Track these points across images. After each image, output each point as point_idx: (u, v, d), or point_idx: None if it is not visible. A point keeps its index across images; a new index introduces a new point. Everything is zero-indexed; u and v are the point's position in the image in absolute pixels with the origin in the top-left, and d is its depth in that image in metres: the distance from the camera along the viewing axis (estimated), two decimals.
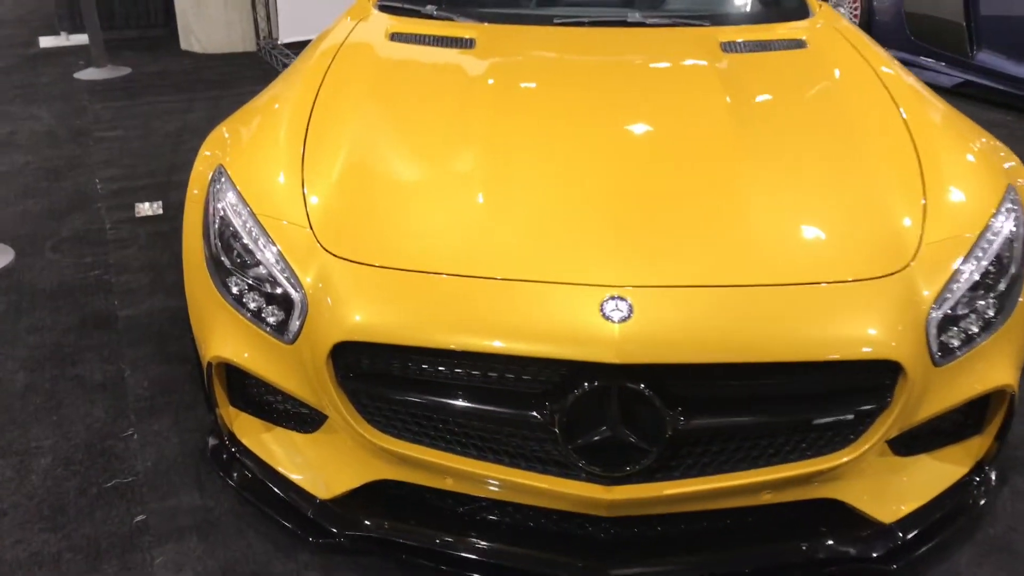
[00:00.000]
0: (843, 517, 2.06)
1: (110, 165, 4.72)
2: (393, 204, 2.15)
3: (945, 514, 2.12)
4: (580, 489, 1.89)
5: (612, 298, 1.83)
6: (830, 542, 2.02)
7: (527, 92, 2.61)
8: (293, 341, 2.02)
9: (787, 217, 2.07)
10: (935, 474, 2.16)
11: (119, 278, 3.53)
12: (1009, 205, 2.15)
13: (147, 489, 2.42)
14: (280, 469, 2.20)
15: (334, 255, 2.01)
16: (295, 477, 2.18)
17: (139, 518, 2.32)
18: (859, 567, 2.04)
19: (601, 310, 1.82)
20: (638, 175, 2.18)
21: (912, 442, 2.11)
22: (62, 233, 3.94)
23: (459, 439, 1.95)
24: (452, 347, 1.85)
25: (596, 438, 1.84)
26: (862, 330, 1.86)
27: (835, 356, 1.83)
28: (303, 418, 2.20)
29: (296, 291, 2.01)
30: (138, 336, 3.13)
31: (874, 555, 2.02)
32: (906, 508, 2.08)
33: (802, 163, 2.25)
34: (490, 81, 2.61)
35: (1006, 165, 2.34)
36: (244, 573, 2.15)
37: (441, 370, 1.90)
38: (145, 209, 4.16)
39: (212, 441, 2.37)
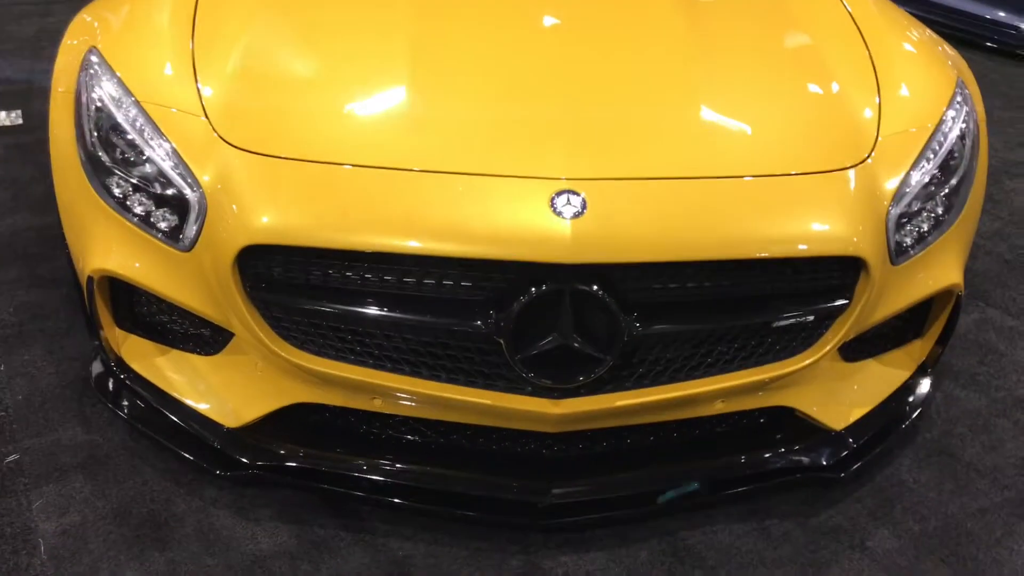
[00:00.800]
0: (793, 426, 1.98)
1: None
2: (305, 90, 1.87)
3: (890, 419, 2.07)
4: (526, 404, 1.72)
5: (563, 192, 1.64)
6: (781, 451, 1.94)
7: None
8: (190, 248, 1.75)
9: (742, 110, 1.92)
10: (880, 379, 2.10)
11: None
12: (960, 99, 2.06)
13: (18, 426, 2.11)
14: (179, 396, 1.94)
15: (236, 147, 1.74)
16: (197, 405, 1.92)
17: (11, 458, 2.02)
18: (809, 476, 1.96)
19: (551, 205, 1.62)
20: (587, 66, 1.97)
21: (859, 347, 2.03)
22: None
23: (389, 355, 1.74)
24: (380, 249, 1.63)
25: (546, 348, 1.66)
26: (825, 225, 1.74)
27: (799, 252, 1.70)
28: (203, 339, 1.95)
29: (192, 190, 1.74)
30: (0, 257, 2.75)
31: (825, 463, 1.95)
32: (855, 415, 2.01)
33: (754, 59, 2.11)
34: None
35: (948, 57, 2.25)
36: (141, 514, 1.90)
37: (368, 277, 1.68)
38: (1, 118, 3.68)
39: (97, 368, 2.08)
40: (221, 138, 1.75)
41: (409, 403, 1.81)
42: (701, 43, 2.09)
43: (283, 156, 1.72)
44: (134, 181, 1.80)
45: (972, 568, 1.89)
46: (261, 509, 1.92)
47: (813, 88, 2.02)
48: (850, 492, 2.05)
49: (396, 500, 1.85)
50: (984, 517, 2.02)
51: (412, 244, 1.62)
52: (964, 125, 2.03)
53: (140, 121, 1.81)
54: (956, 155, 1.99)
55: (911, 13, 2.45)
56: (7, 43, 4.59)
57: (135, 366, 1.99)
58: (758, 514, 1.98)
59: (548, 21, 2.14)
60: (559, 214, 1.61)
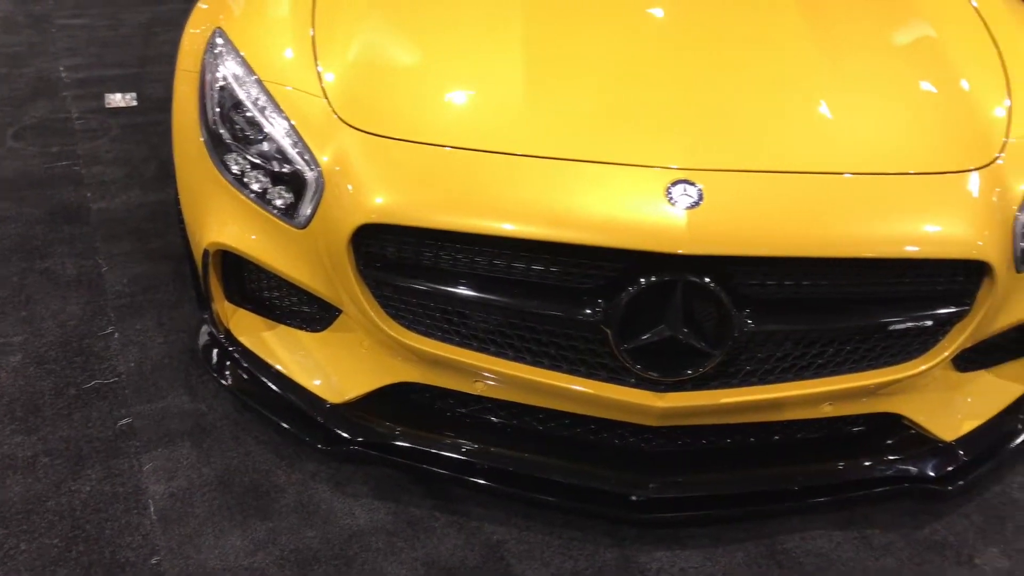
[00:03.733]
0: (901, 434, 1.92)
1: (75, 54, 4.34)
2: (421, 76, 1.89)
3: (1004, 434, 1.99)
4: (629, 395, 1.71)
5: (679, 182, 1.62)
6: (888, 459, 1.88)
7: None
8: (305, 226, 1.79)
9: (863, 106, 1.86)
10: (995, 392, 2.02)
11: (90, 169, 3.23)
12: None
13: (131, 391, 2.19)
14: (284, 370, 1.98)
15: (355, 128, 1.77)
16: (301, 379, 1.96)
17: (124, 422, 2.10)
18: (915, 487, 1.90)
19: (667, 194, 1.61)
20: (703, 57, 1.94)
21: (974, 357, 1.96)
22: (24, 121, 3.60)
23: (494, 339, 1.74)
24: (492, 233, 1.63)
25: (653, 339, 1.64)
26: (949, 226, 1.68)
27: (921, 253, 1.65)
28: (310, 315, 1.99)
29: (310, 169, 1.77)
30: (114, 231, 2.86)
31: (932, 474, 1.89)
32: (967, 426, 1.94)
33: (877, 54, 2.05)
34: None
35: None
36: (243, 483, 1.95)
37: (478, 260, 1.69)
38: (117, 100, 3.83)
39: (204, 339, 2.14)
40: (340, 119, 1.79)
41: (510, 388, 1.82)
42: (822, 37, 2.03)
43: (400, 138, 1.74)
44: (253, 158, 1.84)
45: None
46: (359, 485, 1.95)
47: (939, 85, 1.95)
48: (957, 507, 1.97)
49: (492, 484, 1.86)
50: None
51: (523, 229, 1.62)
52: None
53: (262, 99, 1.86)
54: None
55: None
56: (122, 28, 4.77)
57: (242, 339, 2.04)
58: (859, 523, 1.93)
59: (664, 12, 2.11)
60: (675, 204, 1.60)
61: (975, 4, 2.19)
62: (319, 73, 1.88)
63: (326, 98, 1.83)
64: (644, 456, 1.86)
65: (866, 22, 2.16)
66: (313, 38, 1.97)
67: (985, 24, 2.11)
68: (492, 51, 1.94)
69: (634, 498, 1.81)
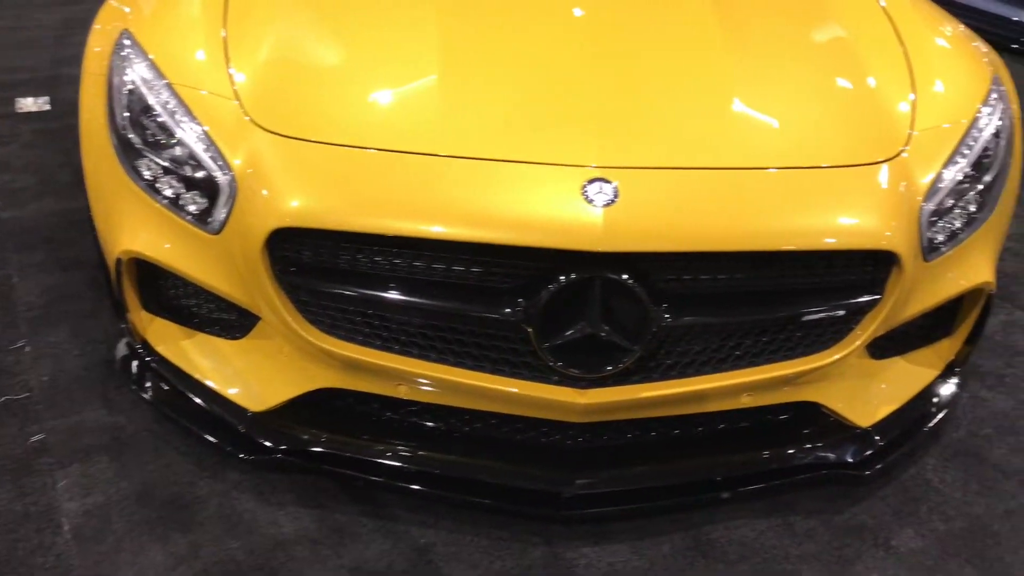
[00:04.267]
0: (819, 422, 1.96)
1: None
2: (335, 77, 1.87)
3: (917, 418, 2.05)
4: (552, 393, 1.71)
5: (595, 180, 1.63)
6: (807, 447, 1.92)
7: None
8: (219, 231, 1.75)
9: (775, 102, 1.90)
10: (908, 378, 2.08)
11: None
12: (995, 96, 2.04)
13: (44, 406, 2.12)
14: (204, 380, 1.94)
15: (267, 130, 1.74)
16: (221, 388, 1.92)
17: (36, 438, 2.03)
18: (834, 473, 1.95)
19: (583, 193, 1.61)
20: (619, 55, 1.96)
21: (887, 344, 2.01)
22: None
23: (416, 341, 1.73)
24: (410, 234, 1.62)
25: (574, 337, 1.65)
26: (858, 218, 1.73)
27: (832, 245, 1.69)
28: (229, 323, 1.95)
29: (223, 173, 1.74)
30: (26, 241, 2.77)
31: (850, 460, 1.93)
32: (882, 412, 1.99)
33: (787, 51, 2.09)
34: None
35: (984, 53, 2.22)
36: (163, 496, 1.90)
37: (396, 262, 1.67)
38: (28, 104, 3.70)
39: (122, 350, 2.08)
40: (253, 121, 1.75)
41: (434, 390, 1.81)
42: (734, 35, 2.07)
43: (314, 140, 1.72)
44: (164, 163, 1.80)
45: (998, 570, 1.87)
46: (283, 494, 1.92)
47: (846, 81, 2.00)
48: (875, 490, 2.03)
49: (418, 487, 1.85)
50: (1010, 519, 1.99)
51: (442, 230, 1.61)
52: (1000, 122, 2.00)
53: (172, 103, 1.81)
54: (990, 152, 1.96)
55: None
56: (35, 30, 4.62)
57: (160, 349, 1.99)
58: (781, 510, 1.97)
59: (579, 11, 2.13)
60: (591, 202, 1.60)
61: (883, 3, 2.25)
62: (231, 75, 1.84)
63: (238, 100, 1.79)
64: (570, 453, 1.87)
65: (778, 22, 2.21)
66: (225, 39, 1.93)
67: (892, 22, 2.17)
68: (409, 51, 1.92)
69: (561, 495, 1.81)
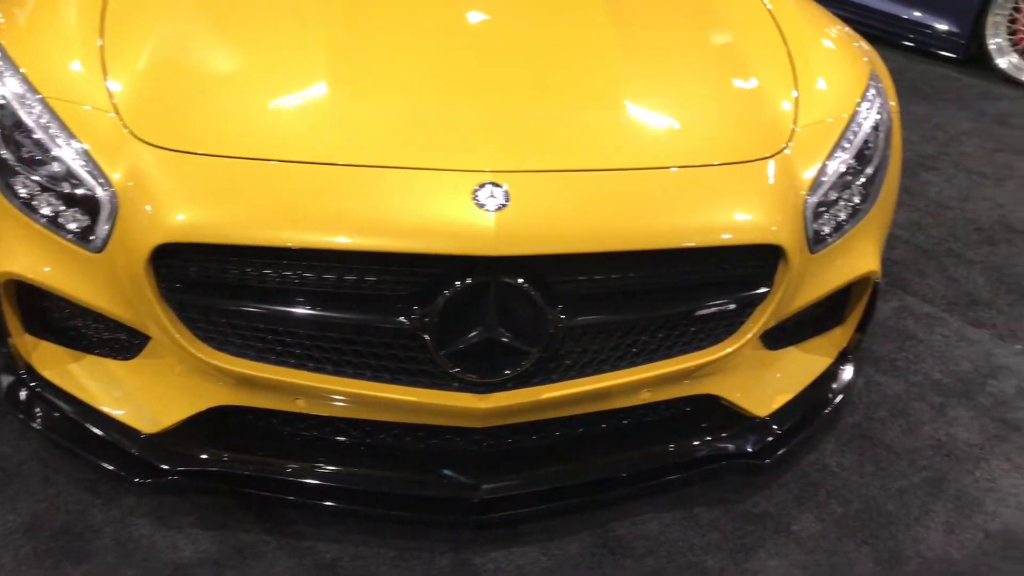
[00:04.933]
0: (718, 414, 2.00)
1: None
2: (219, 85, 1.83)
3: (813, 405, 2.11)
4: (452, 399, 1.71)
5: (486, 184, 1.63)
6: (708, 439, 1.96)
7: None
8: (102, 249, 1.69)
9: (664, 103, 1.94)
10: (803, 366, 2.14)
11: None
12: (873, 92, 2.12)
13: None
14: (94, 404, 1.87)
15: (148, 143, 1.69)
16: (113, 411, 1.86)
17: None
18: (735, 463, 1.99)
19: (474, 197, 1.61)
20: (510, 59, 1.97)
21: (781, 335, 2.06)
22: None
23: (311, 353, 1.70)
24: (298, 245, 1.60)
25: (471, 342, 1.65)
26: (745, 214, 1.77)
27: (720, 241, 1.72)
28: (119, 343, 1.88)
29: (103, 189, 1.68)
30: None
31: (749, 450, 1.98)
32: (778, 401, 2.04)
33: (676, 54, 2.13)
34: None
35: (863, 52, 2.31)
36: (54, 526, 1.83)
37: (287, 274, 1.64)
38: None
39: (5, 378, 1.98)
40: (132, 134, 1.70)
41: (333, 403, 1.78)
42: (623, 38, 2.10)
43: (197, 152, 1.67)
44: (41, 181, 1.73)
45: (892, 547, 1.94)
46: (182, 516, 1.87)
47: (733, 82, 2.05)
48: (776, 478, 2.08)
49: (323, 503, 1.82)
50: (902, 497, 2.07)
51: (332, 240, 1.59)
52: (878, 116, 2.08)
53: (46, 119, 1.74)
54: (871, 145, 2.03)
55: (832, 12, 2.50)
56: None
57: (47, 374, 1.91)
58: (686, 502, 2.00)
59: (470, 16, 2.13)
60: (482, 207, 1.60)
61: (769, 7, 2.31)
62: (107, 87, 1.78)
63: (116, 113, 1.74)
64: (476, 458, 1.86)
65: (668, 24, 2.25)
66: (102, 48, 1.87)
67: (777, 25, 2.23)
68: (296, 57, 1.90)
69: (468, 501, 1.81)
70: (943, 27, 5.28)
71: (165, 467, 1.80)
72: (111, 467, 1.84)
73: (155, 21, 1.96)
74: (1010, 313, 2.82)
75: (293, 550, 1.82)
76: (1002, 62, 5.13)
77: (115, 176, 1.68)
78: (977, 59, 5.18)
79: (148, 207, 1.63)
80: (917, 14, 5.41)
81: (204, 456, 1.81)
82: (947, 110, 4.56)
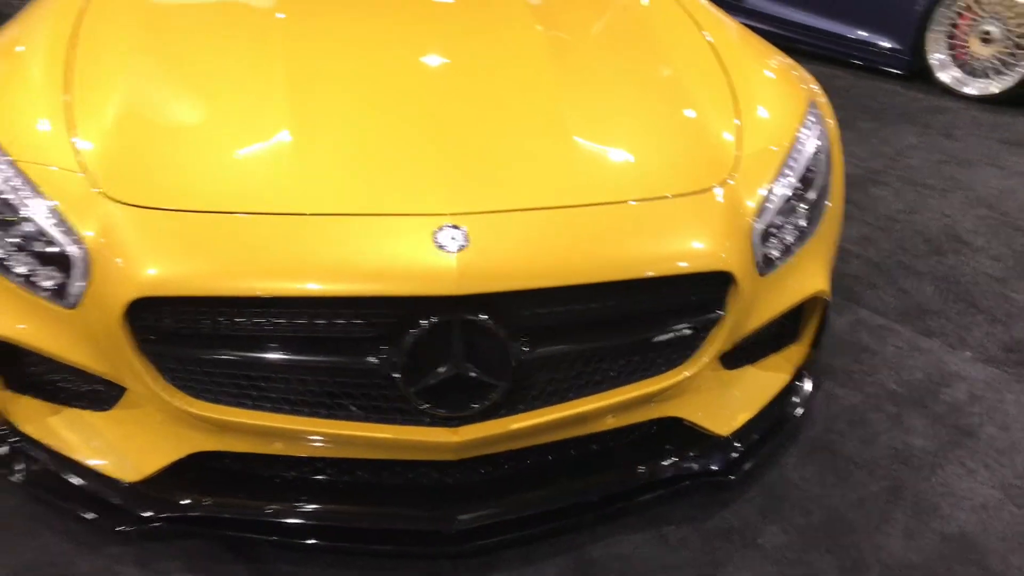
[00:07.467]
0: (683, 435, 2.08)
1: None
2: (183, 140, 1.89)
3: (774, 421, 2.20)
4: (425, 435, 1.77)
5: (445, 227, 1.70)
6: (675, 459, 2.03)
7: (325, 21, 2.39)
8: (76, 305, 1.74)
9: (612, 138, 2.02)
10: (762, 384, 2.22)
11: None
12: (812, 119, 2.22)
13: None
14: (75, 456, 1.91)
15: (118, 201, 1.75)
16: (95, 462, 1.90)
17: None
18: (701, 481, 2.07)
19: (435, 240, 1.69)
20: (454, 103, 2.05)
21: (739, 355, 2.15)
22: None
23: (287, 397, 1.76)
24: (268, 294, 1.66)
25: (440, 378, 1.72)
26: (695, 243, 1.85)
27: (672, 270, 1.81)
28: (97, 394, 1.92)
29: (76, 247, 1.73)
30: None
31: (714, 468, 2.06)
32: (740, 419, 2.13)
33: (621, 89, 2.22)
34: (279, 15, 2.37)
35: (802, 82, 2.42)
36: None
37: (259, 322, 1.70)
38: None
39: None
40: (102, 193, 1.76)
41: (310, 443, 1.84)
42: (569, 76, 2.19)
43: (166, 208, 1.73)
44: (15, 241, 1.78)
45: (854, 555, 2.02)
46: (167, 561, 1.91)
47: (678, 114, 2.15)
48: (741, 493, 2.16)
49: (303, 541, 1.87)
50: (863, 507, 2.16)
51: (300, 287, 1.66)
52: (819, 142, 2.18)
53: (16, 181, 1.80)
54: (813, 169, 2.14)
55: (783, 35, 2.61)
56: None
57: (27, 429, 1.95)
58: (656, 522, 2.07)
59: (421, 61, 2.22)
60: (443, 248, 1.68)
61: (709, 39, 2.42)
62: (74, 144, 1.84)
63: (84, 172, 1.79)
64: (451, 490, 1.92)
65: (612, 60, 2.35)
66: (67, 104, 1.93)
67: (717, 56, 2.34)
68: (257, 111, 1.96)
69: (445, 532, 1.86)
70: (887, 44, 5.48)
71: (148, 514, 1.84)
72: (95, 517, 1.88)
73: (121, 73, 2.03)
74: (959, 321, 2.94)
75: None
76: (944, 76, 5.33)
77: (87, 234, 1.73)
78: (920, 74, 5.37)
79: (121, 263, 1.69)
80: (862, 33, 5.60)
81: (185, 502, 1.85)
82: (893, 125, 4.72)
